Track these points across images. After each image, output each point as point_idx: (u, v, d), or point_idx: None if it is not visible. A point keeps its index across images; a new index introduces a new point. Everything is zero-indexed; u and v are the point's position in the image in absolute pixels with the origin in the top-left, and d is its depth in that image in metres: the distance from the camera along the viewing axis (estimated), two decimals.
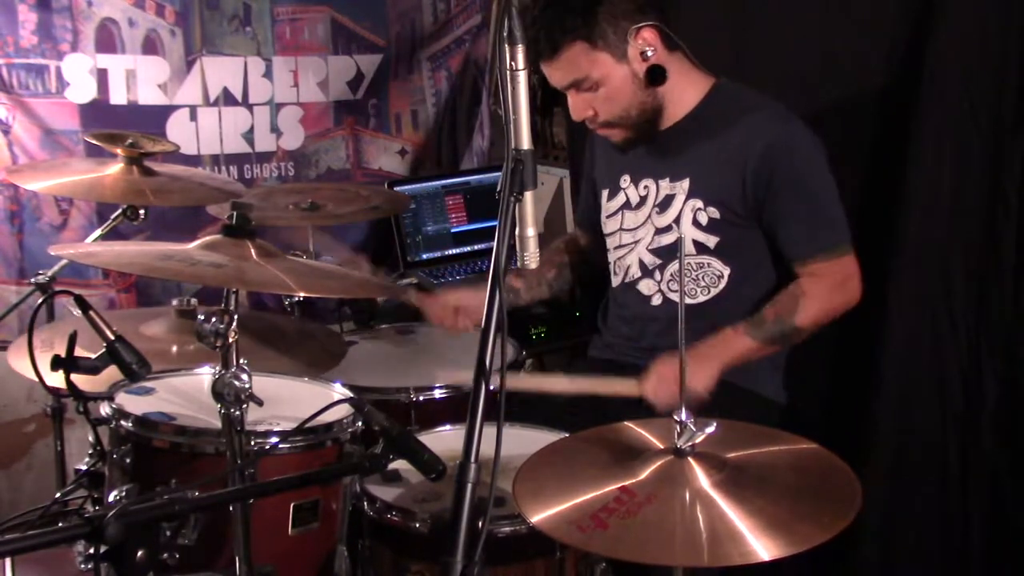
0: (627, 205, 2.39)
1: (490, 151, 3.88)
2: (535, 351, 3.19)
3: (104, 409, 1.96)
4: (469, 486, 1.41)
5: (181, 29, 3.29)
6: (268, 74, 3.46)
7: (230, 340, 1.66)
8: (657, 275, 2.33)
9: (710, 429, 1.53)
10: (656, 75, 2.21)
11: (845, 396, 2.49)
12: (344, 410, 1.96)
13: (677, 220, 2.28)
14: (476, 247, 3.53)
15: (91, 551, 1.83)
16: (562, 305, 3.16)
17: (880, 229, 2.35)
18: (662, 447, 1.58)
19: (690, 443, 1.52)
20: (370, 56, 3.62)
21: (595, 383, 2.21)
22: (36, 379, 1.91)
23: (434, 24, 3.74)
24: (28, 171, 2.93)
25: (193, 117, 3.36)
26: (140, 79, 3.26)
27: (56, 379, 1.84)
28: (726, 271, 2.26)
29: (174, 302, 2.34)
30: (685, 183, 2.27)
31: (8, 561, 1.89)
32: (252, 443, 1.81)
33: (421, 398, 2.35)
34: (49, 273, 2.54)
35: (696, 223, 2.25)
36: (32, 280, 2.56)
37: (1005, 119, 2.17)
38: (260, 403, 1.73)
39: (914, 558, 2.39)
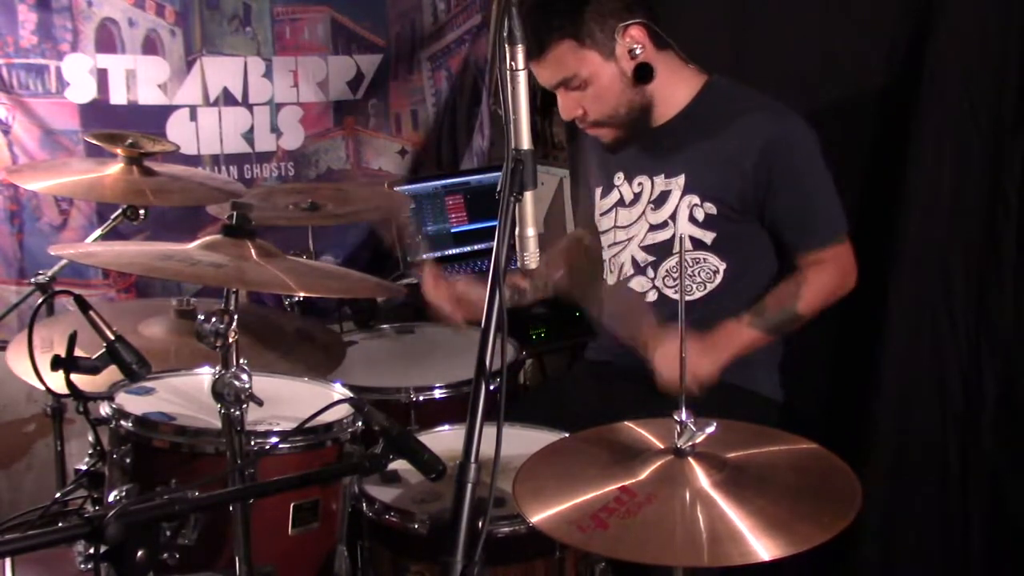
0: (620, 202, 2.39)
1: (490, 151, 3.88)
2: (535, 351, 3.19)
3: (104, 409, 1.96)
4: (469, 486, 1.41)
5: (181, 29, 3.29)
6: (268, 74, 3.46)
7: (230, 340, 1.66)
8: (650, 272, 2.33)
9: (710, 429, 1.53)
10: (644, 73, 2.21)
11: (845, 396, 2.49)
12: (344, 410, 1.96)
13: (673, 216, 2.28)
14: (476, 247, 3.53)
15: (91, 551, 1.83)
16: (562, 305, 3.16)
17: (880, 229, 2.35)
18: (662, 447, 1.57)
19: (690, 443, 1.52)
20: (370, 56, 3.62)
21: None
22: (36, 381, 1.91)
23: (434, 24, 3.74)
24: (28, 171, 2.93)
25: (193, 117, 3.36)
26: (140, 79, 3.26)
27: (56, 379, 1.84)
28: (722, 267, 2.26)
29: (174, 302, 2.34)
30: (681, 179, 2.27)
31: (8, 561, 1.89)
32: (252, 443, 1.81)
33: (421, 398, 2.35)
34: (49, 273, 2.54)
35: (692, 219, 2.26)
36: (32, 280, 2.56)
37: (1005, 119, 2.17)
38: (260, 403, 1.73)
39: (914, 558, 2.39)
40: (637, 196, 2.35)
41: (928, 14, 2.26)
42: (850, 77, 2.47)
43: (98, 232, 2.68)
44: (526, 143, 1.49)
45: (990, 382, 2.24)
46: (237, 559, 1.72)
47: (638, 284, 2.35)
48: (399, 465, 1.70)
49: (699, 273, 2.27)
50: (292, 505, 1.88)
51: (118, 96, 3.23)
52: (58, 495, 2.36)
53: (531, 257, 1.54)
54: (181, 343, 2.23)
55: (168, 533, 1.43)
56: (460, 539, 1.38)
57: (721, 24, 2.68)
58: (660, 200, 2.30)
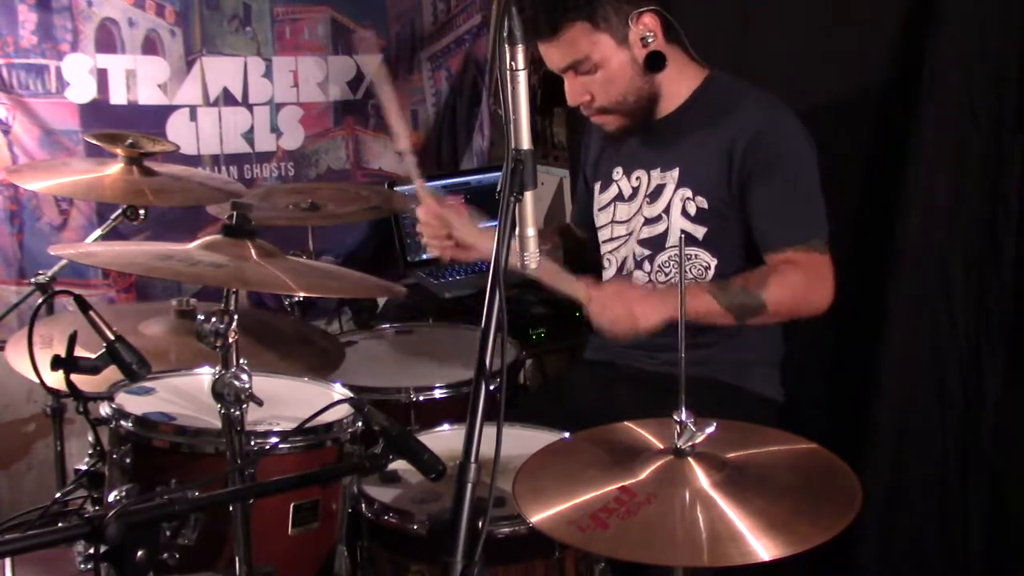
0: (619, 197, 2.39)
1: (490, 151, 3.88)
2: (535, 351, 3.19)
3: (104, 409, 1.96)
4: (469, 486, 1.41)
5: (181, 29, 3.30)
6: (268, 74, 3.46)
7: (230, 340, 1.66)
8: (646, 266, 2.32)
9: (710, 429, 1.53)
10: (656, 61, 2.20)
11: (845, 396, 2.49)
12: (344, 410, 1.96)
13: (667, 210, 2.27)
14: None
15: (91, 551, 1.83)
16: (562, 305, 3.16)
17: (880, 229, 2.35)
18: (662, 447, 1.58)
19: (690, 443, 1.52)
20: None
21: (550, 273, 2.13)
22: (36, 380, 1.91)
23: (434, 24, 3.74)
24: (28, 171, 2.93)
25: (193, 117, 3.36)
26: (140, 79, 3.26)
27: (56, 379, 1.84)
28: (713, 262, 2.25)
29: (174, 302, 2.34)
30: (675, 172, 2.27)
31: (8, 561, 1.89)
32: (252, 443, 1.81)
33: (421, 398, 2.35)
34: (49, 273, 2.54)
35: (685, 213, 2.25)
36: (32, 280, 2.56)
37: (1005, 119, 2.17)
38: (260, 403, 1.73)
39: (914, 558, 2.39)
40: (635, 190, 2.35)
41: (928, 14, 2.26)
42: (850, 77, 2.47)
43: (98, 232, 2.68)
44: (526, 143, 1.49)
45: (990, 382, 2.24)
46: (237, 559, 1.72)
47: (636, 279, 2.35)
48: (399, 465, 1.70)
49: (691, 269, 2.26)
50: (292, 505, 1.88)
51: (118, 96, 3.23)
52: (58, 495, 2.36)
53: (531, 257, 1.54)
54: (181, 343, 2.23)
55: (168, 533, 1.44)
56: (460, 539, 1.38)
57: (721, 23, 2.68)
58: (655, 194, 2.30)
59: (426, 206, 2.40)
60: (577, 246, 2.63)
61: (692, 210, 2.24)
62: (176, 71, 3.31)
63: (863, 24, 2.43)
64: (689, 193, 2.25)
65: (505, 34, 1.47)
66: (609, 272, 2.42)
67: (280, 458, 1.89)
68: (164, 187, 2.60)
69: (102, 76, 3.20)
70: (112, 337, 1.75)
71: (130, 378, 1.82)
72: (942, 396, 2.31)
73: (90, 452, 2.21)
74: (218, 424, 1.73)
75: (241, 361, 1.68)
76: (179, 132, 3.31)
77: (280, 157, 3.53)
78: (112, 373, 1.80)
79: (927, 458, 2.34)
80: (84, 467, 2.22)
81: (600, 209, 2.44)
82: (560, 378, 2.94)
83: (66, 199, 3.18)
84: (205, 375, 2.09)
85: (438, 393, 2.37)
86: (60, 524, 1.43)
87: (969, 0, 2.20)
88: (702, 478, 1.49)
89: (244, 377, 1.68)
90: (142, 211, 2.62)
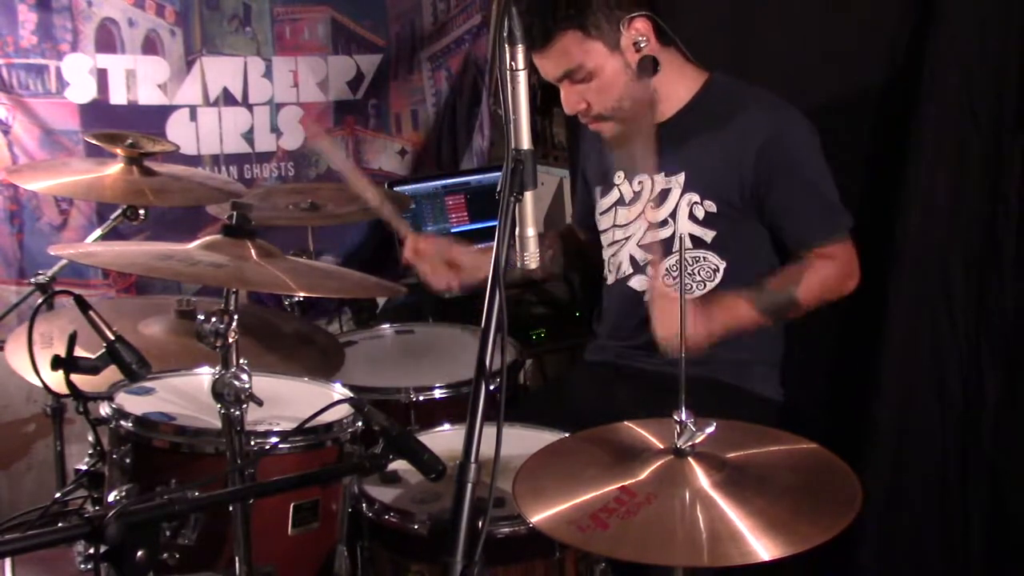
0: (620, 201, 2.39)
1: (490, 151, 3.88)
2: (535, 352, 3.19)
3: (104, 409, 1.96)
4: (469, 486, 1.41)
5: (181, 29, 3.30)
6: (268, 74, 3.46)
7: (230, 340, 1.66)
8: (650, 270, 2.33)
9: (710, 429, 1.53)
10: (648, 66, 2.20)
11: (845, 396, 2.49)
12: (344, 410, 1.96)
13: (673, 214, 2.27)
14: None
15: (91, 551, 1.83)
16: (562, 305, 3.16)
17: (880, 229, 2.35)
18: (662, 447, 1.58)
19: (690, 443, 1.52)
20: (370, 56, 3.63)
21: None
22: (36, 381, 1.91)
23: (434, 24, 3.75)
24: (28, 171, 2.94)
25: (193, 117, 3.36)
26: (140, 79, 3.26)
27: (56, 379, 1.84)
28: (722, 265, 2.26)
29: (174, 302, 2.34)
30: (681, 177, 2.27)
31: (8, 561, 1.89)
32: (252, 443, 1.81)
33: (421, 398, 2.35)
34: (49, 273, 2.54)
35: (693, 217, 2.25)
36: (32, 280, 2.56)
37: (1005, 119, 2.17)
38: (260, 403, 1.73)
39: (914, 558, 2.39)
40: (637, 195, 2.35)
41: (928, 14, 2.26)
42: (850, 77, 2.47)
43: (98, 232, 2.68)
44: (526, 143, 1.49)
45: (990, 382, 2.24)
46: (237, 559, 1.72)
47: (637, 283, 2.35)
48: (399, 465, 1.70)
49: (699, 272, 2.26)
50: (292, 505, 1.88)
51: (118, 96, 3.23)
52: (58, 495, 2.36)
53: (531, 257, 1.54)
54: (181, 343, 2.23)
55: (168, 533, 1.44)
56: (460, 539, 1.38)
57: (721, 23, 2.68)
58: (660, 198, 2.30)
59: (409, 245, 2.41)
60: (579, 249, 2.63)
61: (700, 214, 2.24)
62: (176, 71, 3.31)
63: (863, 24, 2.43)
64: (697, 197, 2.25)
65: (505, 34, 1.47)
66: (611, 276, 2.42)
67: (280, 458, 1.89)
68: (164, 187, 2.60)
69: (102, 76, 3.20)
70: (112, 337, 1.75)
71: (130, 378, 1.82)
72: (942, 396, 2.30)
73: (90, 452, 2.21)
74: (218, 424, 1.73)
75: (241, 361, 1.68)
76: (179, 132, 3.31)
77: (280, 157, 3.53)
78: (112, 373, 1.80)
79: (927, 458, 2.34)
80: (84, 467, 2.22)
81: (602, 213, 2.44)
82: (560, 378, 2.94)
83: (66, 199, 3.19)
84: (205, 375, 2.09)
85: (438, 393, 2.37)
86: (60, 524, 1.43)
87: (969, 0, 2.20)
88: (702, 478, 1.49)
89: (244, 377, 1.68)
90: (142, 211, 2.62)
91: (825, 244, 2.20)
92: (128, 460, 1.90)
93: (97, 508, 2.09)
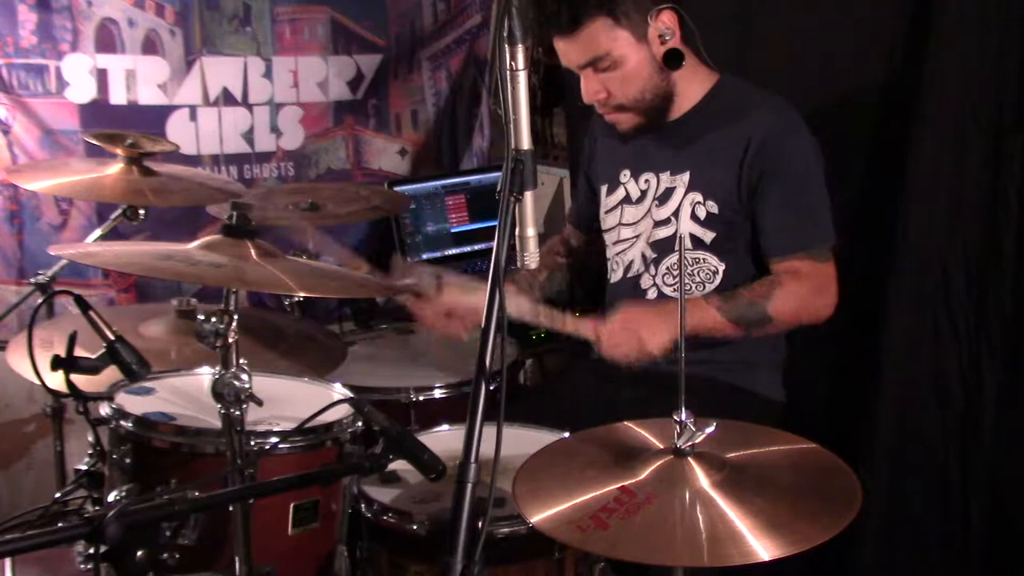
0: (627, 199, 2.39)
1: (490, 151, 3.87)
2: (535, 351, 3.18)
3: (104, 409, 1.96)
4: (469, 486, 1.41)
5: (181, 29, 3.29)
6: (268, 74, 3.46)
7: (230, 340, 1.66)
8: (652, 269, 2.33)
9: (710, 429, 1.53)
10: (674, 58, 2.20)
11: (845, 396, 2.49)
12: (344, 410, 1.96)
13: (676, 214, 2.27)
14: (476, 247, 3.53)
15: (91, 551, 1.83)
16: (562, 305, 3.15)
17: (880, 229, 2.35)
18: (662, 447, 1.58)
19: (690, 443, 1.52)
20: (370, 56, 3.62)
21: (554, 318, 2.20)
22: (36, 380, 1.91)
23: (434, 24, 3.74)
24: (28, 171, 2.93)
25: (193, 117, 3.36)
26: (140, 79, 3.25)
27: (56, 379, 1.84)
28: (721, 267, 2.25)
29: (174, 302, 2.34)
30: (685, 176, 2.27)
31: (8, 561, 1.89)
32: (252, 443, 1.81)
33: (421, 398, 2.35)
34: (49, 273, 2.54)
35: (694, 217, 2.25)
36: (32, 280, 2.56)
37: (1005, 119, 2.17)
38: (260, 403, 1.73)
39: (914, 558, 2.39)
40: (644, 193, 2.35)
41: (928, 14, 2.26)
42: (850, 77, 2.47)
43: (98, 232, 2.67)
44: (526, 143, 1.49)
45: (990, 382, 2.24)
46: (237, 559, 1.73)
47: (644, 281, 2.35)
48: (399, 465, 1.70)
49: (698, 273, 2.26)
50: (292, 505, 1.88)
51: (118, 96, 3.23)
52: (58, 495, 2.36)
53: (531, 257, 1.54)
54: (181, 343, 2.23)
55: (168, 533, 1.43)
56: (460, 539, 1.38)
57: (722, 24, 2.68)
58: (664, 197, 2.30)
59: (411, 302, 2.39)
60: (575, 258, 2.63)
61: (702, 214, 2.24)
62: (176, 71, 3.30)
63: (863, 24, 2.43)
64: (699, 197, 2.24)
65: (505, 34, 1.47)
66: (616, 274, 2.42)
67: (280, 458, 1.89)
68: (164, 187, 2.60)
69: (102, 76, 3.20)
70: (112, 337, 1.75)
71: (130, 378, 1.82)
72: (942, 396, 2.30)
73: (90, 452, 2.21)
74: (218, 424, 1.73)
75: (241, 361, 1.68)
76: (179, 132, 3.31)
77: (280, 157, 3.53)
78: (112, 373, 1.80)
79: (927, 458, 2.34)
80: (84, 467, 2.22)
81: (607, 212, 2.44)
82: (560, 378, 2.94)
83: (66, 199, 3.18)
84: (205, 375, 2.09)
85: (438, 393, 2.37)
86: (60, 524, 1.43)
87: (969, 0, 2.20)
88: (702, 478, 1.49)
89: (244, 377, 1.68)
90: (142, 211, 2.62)
91: (794, 258, 2.17)
92: (128, 460, 1.90)
93: (97, 508, 2.09)
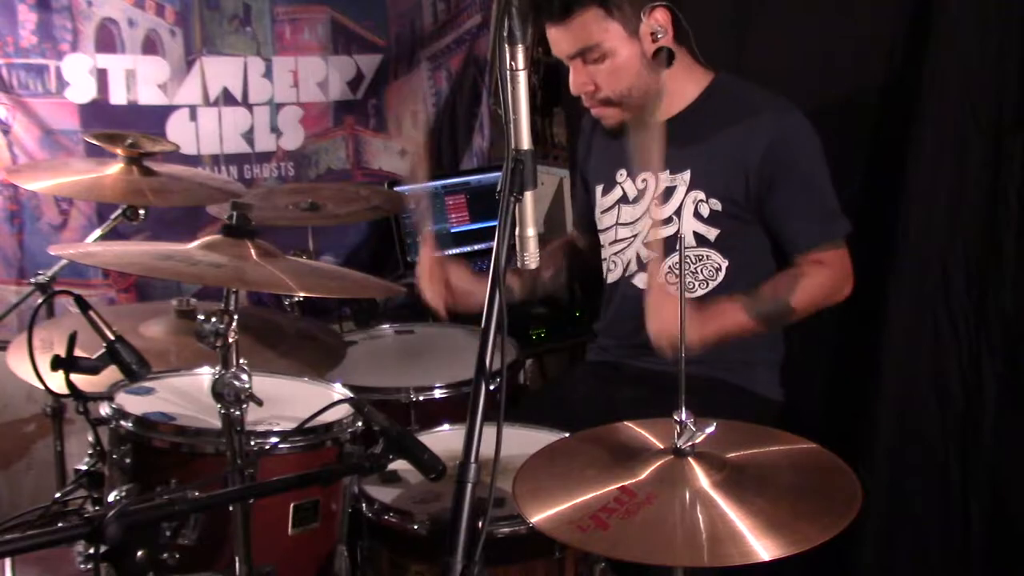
0: (624, 199, 2.39)
1: (490, 151, 3.88)
2: (535, 351, 3.19)
3: (104, 409, 1.96)
4: (469, 486, 1.41)
5: (181, 29, 3.29)
6: (268, 74, 3.46)
7: (230, 340, 1.66)
8: (651, 268, 2.32)
9: (710, 429, 1.53)
10: (664, 57, 2.21)
11: (845, 396, 2.49)
12: (344, 410, 1.96)
13: (678, 212, 2.27)
14: (476, 247, 3.53)
15: (91, 551, 1.83)
16: (562, 305, 3.16)
17: (880, 228, 2.35)
18: (662, 447, 1.57)
19: (690, 443, 1.52)
20: (370, 56, 3.63)
21: None
22: (36, 381, 1.91)
23: (434, 24, 3.74)
24: (28, 171, 2.93)
25: (193, 117, 3.36)
26: (140, 79, 3.26)
27: (56, 379, 1.84)
28: (724, 264, 2.26)
29: (174, 302, 2.34)
30: (686, 175, 2.27)
31: (8, 561, 1.89)
32: (252, 443, 1.81)
33: (421, 398, 2.35)
34: (49, 273, 2.54)
35: (697, 215, 2.25)
36: (32, 280, 2.56)
37: (1005, 119, 2.17)
38: (260, 403, 1.73)
39: (914, 558, 2.39)
40: (641, 192, 2.35)
41: (928, 14, 2.26)
42: (850, 77, 2.47)
43: (98, 232, 2.67)
44: (526, 143, 1.49)
45: (990, 382, 2.24)
46: (237, 559, 1.72)
47: (641, 280, 2.35)
48: (399, 465, 1.70)
49: (701, 271, 2.26)
50: (292, 505, 1.88)
51: (118, 96, 3.23)
52: (58, 495, 2.36)
53: (531, 257, 1.54)
54: (181, 343, 2.23)
55: (168, 533, 1.43)
56: (460, 539, 1.38)
57: (722, 24, 2.68)
58: (665, 196, 2.30)
59: (425, 251, 2.41)
60: (580, 259, 2.63)
61: (705, 212, 2.25)
62: (176, 71, 3.30)
63: (863, 24, 2.43)
64: (702, 195, 2.25)
65: (505, 34, 1.47)
66: (613, 275, 2.42)
67: (280, 458, 1.89)
68: (164, 187, 2.60)
69: (102, 76, 3.20)
70: (112, 337, 1.75)
71: (130, 378, 1.82)
72: (942, 396, 2.31)
73: (90, 452, 2.20)
74: (218, 424, 1.73)
75: (241, 361, 1.68)
76: (179, 132, 3.31)
77: (280, 157, 3.53)
78: (112, 373, 1.80)
79: (927, 458, 2.34)
80: (84, 467, 2.22)
81: (603, 212, 2.44)
82: (560, 378, 2.94)
83: (66, 199, 3.18)
84: (205, 375, 2.09)
85: (438, 393, 2.37)
86: (60, 524, 1.43)
87: (969, 0, 2.20)
88: (702, 478, 1.49)
89: (244, 377, 1.68)
90: (142, 211, 2.62)
91: (819, 249, 2.20)
92: (128, 460, 1.90)
93: (97, 508, 2.09)
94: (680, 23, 2.23)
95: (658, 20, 2.20)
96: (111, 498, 1.86)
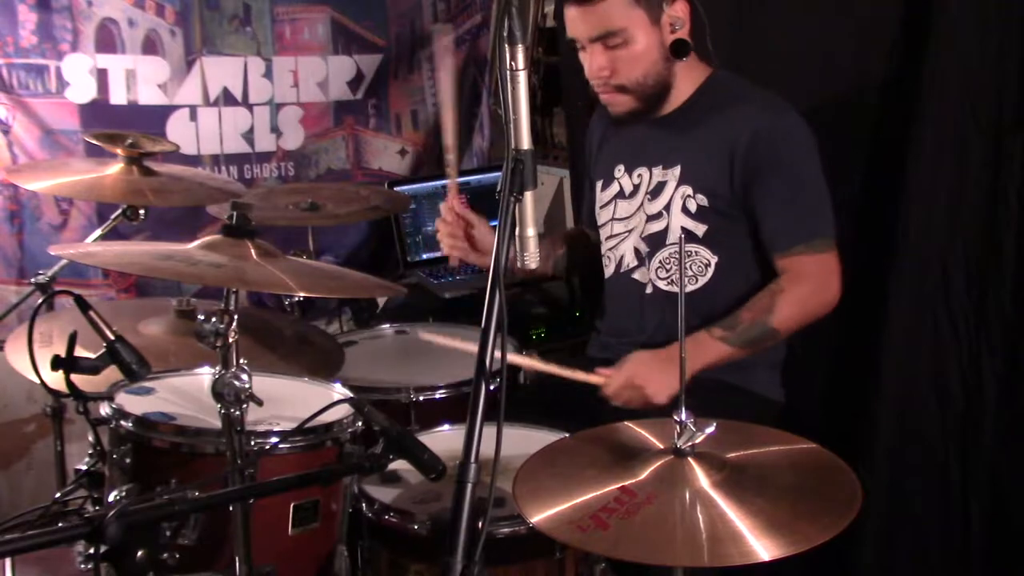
0: (620, 194, 2.39)
1: (490, 151, 3.88)
2: (535, 352, 3.18)
3: (104, 409, 1.96)
4: (469, 486, 1.41)
5: (181, 29, 3.30)
6: (268, 74, 3.46)
7: (230, 340, 1.66)
8: (646, 263, 2.33)
9: (710, 429, 1.53)
10: (681, 48, 2.22)
11: (845, 396, 2.49)
12: (344, 410, 1.96)
13: (667, 207, 2.28)
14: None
15: (91, 551, 1.83)
16: (562, 305, 3.16)
17: (880, 228, 2.35)
18: (662, 447, 1.58)
19: (690, 443, 1.52)
20: (370, 56, 3.63)
21: (562, 369, 2.23)
22: (36, 380, 1.91)
23: (434, 24, 3.74)
24: (28, 171, 2.93)
25: (193, 117, 3.36)
26: (140, 79, 3.26)
27: (56, 379, 1.84)
28: (713, 260, 2.26)
29: (173, 302, 2.34)
30: (676, 170, 2.28)
31: (8, 561, 1.89)
32: (252, 443, 1.81)
33: (421, 398, 2.35)
34: (49, 273, 2.54)
35: (685, 210, 2.26)
36: (32, 280, 2.56)
37: (1005, 119, 2.17)
38: (260, 403, 1.73)
39: (914, 558, 2.39)
40: (636, 187, 2.36)
41: (928, 14, 2.26)
42: (850, 77, 2.47)
43: (98, 232, 2.68)
44: (526, 143, 1.49)
45: (990, 382, 2.24)
46: (237, 559, 1.72)
47: (640, 275, 2.35)
48: (399, 465, 1.70)
49: (691, 266, 2.26)
50: (292, 505, 1.88)
51: (118, 96, 3.23)
52: (58, 495, 2.36)
53: (531, 257, 1.54)
54: (181, 343, 2.23)
55: (168, 533, 1.43)
56: (460, 539, 1.38)
57: (722, 23, 2.67)
58: (656, 191, 2.31)
59: (450, 202, 2.43)
60: (589, 252, 2.63)
61: (693, 207, 2.25)
62: (176, 71, 3.31)
63: (863, 24, 2.43)
64: (690, 191, 2.25)
65: (505, 34, 1.47)
66: (609, 269, 2.43)
67: (280, 458, 1.89)
68: (164, 187, 2.60)
69: (102, 76, 3.20)
70: (112, 337, 1.75)
71: (130, 378, 1.82)
72: (942, 396, 2.31)
73: (90, 452, 2.20)
74: (218, 424, 1.73)
75: (241, 361, 1.68)
76: (179, 132, 3.31)
77: (280, 157, 3.53)
78: (112, 373, 1.80)
79: (927, 458, 2.34)
80: (84, 467, 2.22)
81: (601, 207, 2.45)
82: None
83: (66, 199, 3.18)
84: (205, 375, 2.09)
85: (438, 393, 2.37)
86: (60, 524, 1.43)
87: (969, 0, 2.20)
88: (702, 478, 1.49)
89: (244, 377, 1.68)
90: (142, 211, 2.62)
91: (797, 251, 2.17)
92: (128, 460, 1.90)
93: (97, 508, 2.09)
94: (699, 17, 2.24)
95: (678, 12, 2.22)
96: (111, 498, 1.86)
